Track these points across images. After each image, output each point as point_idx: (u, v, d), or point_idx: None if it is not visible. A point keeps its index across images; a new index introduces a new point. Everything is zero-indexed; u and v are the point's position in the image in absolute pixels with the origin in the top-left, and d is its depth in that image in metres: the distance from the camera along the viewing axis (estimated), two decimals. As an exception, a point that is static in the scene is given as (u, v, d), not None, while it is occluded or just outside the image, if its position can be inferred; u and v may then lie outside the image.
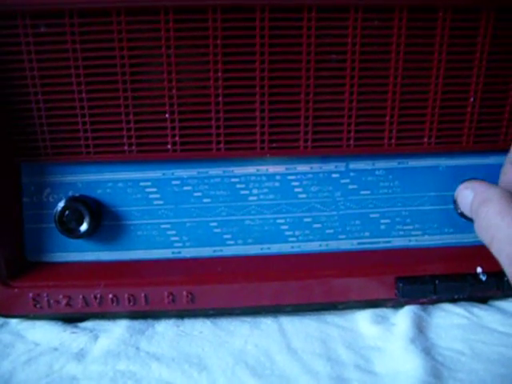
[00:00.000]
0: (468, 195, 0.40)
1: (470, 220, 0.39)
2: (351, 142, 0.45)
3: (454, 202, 0.46)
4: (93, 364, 0.41)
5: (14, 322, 0.47)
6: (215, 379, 0.39)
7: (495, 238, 0.35)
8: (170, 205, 0.46)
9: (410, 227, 0.48)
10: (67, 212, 0.45)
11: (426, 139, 0.45)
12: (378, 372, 0.40)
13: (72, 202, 0.45)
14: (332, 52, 0.42)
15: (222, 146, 0.44)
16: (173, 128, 0.43)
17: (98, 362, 0.41)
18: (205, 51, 0.41)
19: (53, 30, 0.40)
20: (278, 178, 0.46)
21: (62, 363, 0.41)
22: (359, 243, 0.48)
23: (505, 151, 0.43)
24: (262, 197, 0.47)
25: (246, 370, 0.40)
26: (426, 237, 0.49)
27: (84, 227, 0.45)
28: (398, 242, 0.49)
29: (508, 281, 0.33)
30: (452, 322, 0.46)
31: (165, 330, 0.46)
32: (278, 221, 0.47)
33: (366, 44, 0.42)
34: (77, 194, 0.46)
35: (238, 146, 0.44)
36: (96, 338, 0.45)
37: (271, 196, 0.47)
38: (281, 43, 0.41)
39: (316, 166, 0.46)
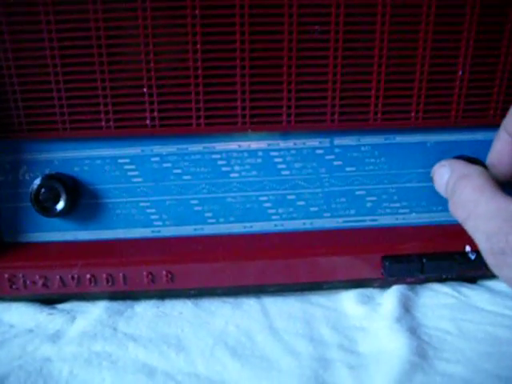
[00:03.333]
0: (444, 173, 0.40)
1: None
2: (336, 116, 0.43)
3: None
4: (68, 345, 0.40)
5: (-11, 303, 0.46)
6: (193, 360, 0.38)
7: (472, 213, 0.34)
8: (150, 182, 0.45)
9: (397, 205, 0.47)
10: (43, 190, 0.43)
11: (413, 114, 0.44)
12: (361, 352, 0.39)
13: (48, 179, 0.43)
14: (315, 23, 0.40)
15: (202, 121, 0.43)
16: (151, 103, 0.42)
17: (73, 343, 0.40)
18: (183, 22, 0.40)
19: (25, 0, 0.39)
20: (260, 154, 0.45)
21: (36, 345, 0.40)
22: (344, 221, 0.47)
23: (494, 127, 0.41)
24: (243, 174, 0.45)
25: (226, 350, 0.39)
26: (414, 215, 0.48)
27: (60, 206, 0.44)
28: (384, 220, 0.47)
29: None
30: (439, 301, 0.45)
31: (144, 310, 0.45)
32: (261, 198, 0.46)
33: (350, 15, 0.40)
34: (53, 172, 0.44)
35: (219, 121, 0.43)
36: (73, 319, 0.44)
37: (253, 173, 0.45)
38: (262, 13, 0.40)
39: (299, 142, 0.45)
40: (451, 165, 0.40)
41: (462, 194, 0.36)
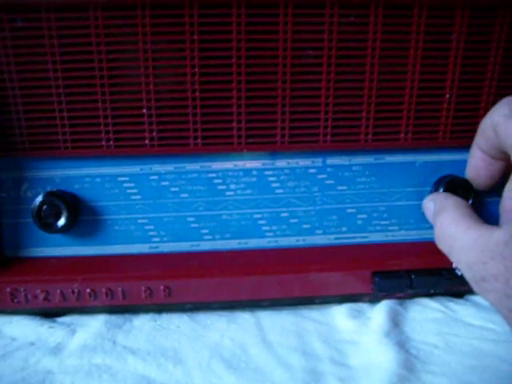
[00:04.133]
0: (430, 207, 0.42)
1: None
2: (328, 137, 0.45)
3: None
4: (69, 358, 0.41)
5: (-9, 316, 0.47)
6: (190, 372, 0.39)
7: (452, 247, 0.36)
8: (148, 200, 0.46)
9: (387, 222, 0.49)
10: (45, 207, 0.45)
11: (402, 135, 0.45)
12: (351, 365, 0.40)
13: (50, 196, 0.45)
14: (308, 48, 0.42)
15: (199, 141, 0.44)
16: (150, 123, 0.43)
17: (74, 356, 0.41)
18: (182, 46, 0.41)
19: (30, 24, 0.40)
20: (255, 173, 0.47)
21: (37, 357, 0.41)
22: (336, 238, 0.49)
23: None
24: (239, 192, 0.47)
25: (221, 363, 0.40)
26: (403, 232, 0.49)
27: (62, 222, 0.45)
28: (374, 237, 0.49)
29: None
30: (427, 316, 0.46)
31: (142, 324, 0.46)
32: (256, 216, 0.48)
33: (342, 40, 0.42)
34: (54, 189, 0.46)
35: (215, 141, 0.44)
36: (73, 332, 0.45)
37: (248, 191, 0.47)
38: (257, 39, 0.41)
39: (293, 162, 0.47)
40: (434, 199, 0.42)
41: (440, 228, 0.38)
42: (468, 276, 0.34)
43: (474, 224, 0.35)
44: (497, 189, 0.43)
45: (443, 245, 0.37)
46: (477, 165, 0.43)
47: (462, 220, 0.36)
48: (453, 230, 0.36)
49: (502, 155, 0.40)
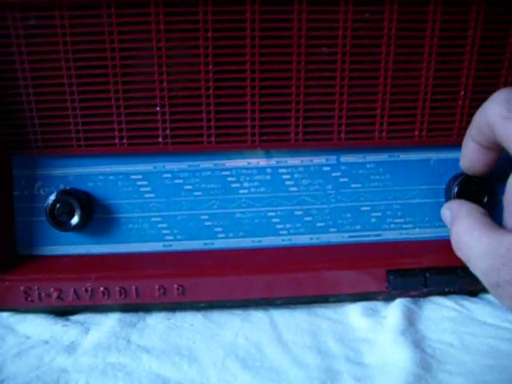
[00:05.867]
0: (447, 216, 0.41)
1: None
2: (342, 135, 0.45)
3: None
4: (83, 356, 0.41)
5: (4, 315, 0.47)
6: (205, 371, 0.39)
7: (468, 256, 0.36)
8: (161, 198, 0.46)
9: (401, 220, 0.48)
10: (58, 205, 0.45)
11: (416, 132, 0.45)
12: (367, 364, 0.40)
13: (63, 195, 0.45)
14: (323, 45, 0.42)
15: (212, 138, 0.44)
16: (164, 121, 0.43)
17: (88, 355, 0.41)
18: (195, 44, 0.41)
19: (43, 22, 0.40)
20: (268, 171, 0.47)
21: (52, 356, 0.41)
22: (350, 236, 0.48)
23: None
24: (252, 190, 0.47)
25: (237, 362, 0.40)
26: (417, 230, 0.49)
27: (75, 220, 0.45)
28: (388, 235, 0.49)
29: None
30: (442, 314, 0.46)
31: (156, 322, 0.46)
32: (269, 214, 0.47)
33: (356, 37, 0.42)
34: (68, 187, 0.46)
35: (229, 138, 0.44)
36: (87, 330, 0.45)
37: (262, 189, 0.47)
38: (271, 36, 0.41)
39: (307, 159, 0.46)
40: (450, 207, 0.42)
41: (456, 237, 0.38)
42: (484, 283, 0.35)
43: (486, 231, 0.35)
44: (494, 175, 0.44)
45: (461, 253, 0.37)
46: (471, 156, 0.42)
47: (476, 228, 0.36)
48: (467, 238, 0.36)
49: (497, 146, 0.40)
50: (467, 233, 0.36)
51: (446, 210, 0.43)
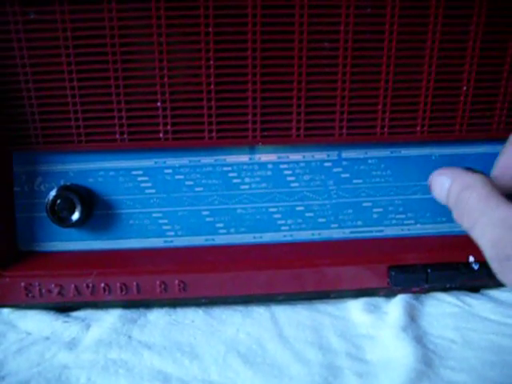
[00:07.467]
0: (445, 182, 0.40)
1: None
2: (344, 130, 0.44)
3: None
4: (84, 353, 0.41)
5: (5, 311, 0.47)
6: (207, 367, 0.39)
7: (478, 222, 0.35)
8: (162, 193, 0.46)
9: (403, 216, 0.48)
10: (59, 201, 0.44)
11: (418, 128, 0.45)
12: (369, 360, 0.40)
13: (63, 190, 0.45)
14: (324, 40, 0.42)
15: (213, 134, 0.44)
16: (164, 116, 0.43)
17: (89, 351, 0.41)
18: (196, 39, 0.41)
19: (43, 17, 0.40)
20: (270, 166, 0.46)
21: (53, 352, 0.41)
22: (351, 232, 0.48)
23: (497, 140, 0.43)
24: (254, 185, 0.47)
25: (238, 358, 0.40)
26: (419, 226, 0.49)
27: (76, 216, 0.45)
28: (390, 231, 0.49)
29: None
30: (444, 310, 0.46)
31: (157, 318, 0.46)
32: (271, 209, 0.47)
33: (358, 32, 0.41)
34: (68, 183, 0.46)
35: (230, 134, 0.44)
36: (88, 327, 0.45)
37: (263, 185, 0.47)
38: (273, 31, 0.41)
39: (308, 155, 0.46)
40: (452, 173, 0.40)
41: (467, 203, 0.36)
42: (490, 254, 0.33)
43: (503, 202, 0.34)
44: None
45: (466, 220, 0.36)
46: (508, 164, 0.41)
47: (492, 197, 0.35)
48: (482, 205, 0.35)
49: None
50: (482, 200, 0.35)
51: (441, 176, 0.40)
